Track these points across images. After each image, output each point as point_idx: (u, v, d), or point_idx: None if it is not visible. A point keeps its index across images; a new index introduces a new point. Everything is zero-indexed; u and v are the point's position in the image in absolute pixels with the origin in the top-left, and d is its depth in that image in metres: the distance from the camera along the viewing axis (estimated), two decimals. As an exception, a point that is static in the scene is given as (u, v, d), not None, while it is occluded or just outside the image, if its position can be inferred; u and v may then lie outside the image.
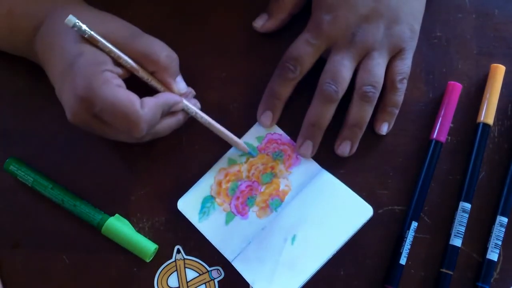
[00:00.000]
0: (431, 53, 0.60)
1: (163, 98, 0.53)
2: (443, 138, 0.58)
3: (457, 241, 0.56)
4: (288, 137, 0.58)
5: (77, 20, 0.50)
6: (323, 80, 0.55)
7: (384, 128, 0.57)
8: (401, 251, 0.56)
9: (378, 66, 0.55)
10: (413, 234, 0.56)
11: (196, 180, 0.57)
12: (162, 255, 0.57)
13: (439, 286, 0.56)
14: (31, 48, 0.55)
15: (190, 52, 0.60)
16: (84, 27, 0.50)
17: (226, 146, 0.58)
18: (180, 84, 0.55)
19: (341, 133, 0.57)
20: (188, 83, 0.60)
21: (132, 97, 0.50)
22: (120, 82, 0.51)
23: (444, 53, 0.60)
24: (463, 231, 0.56)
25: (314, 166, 0.57)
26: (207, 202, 0.57)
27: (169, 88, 0.54)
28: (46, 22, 0.54)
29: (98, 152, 0.58)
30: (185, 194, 0.57)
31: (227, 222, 0.56)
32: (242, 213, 0.56)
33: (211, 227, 0.56)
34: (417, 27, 0.57)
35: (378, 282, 0.56)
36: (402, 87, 0.56)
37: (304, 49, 0.55)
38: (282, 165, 0.57)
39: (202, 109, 0.58)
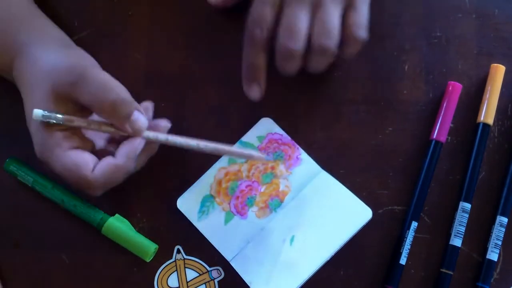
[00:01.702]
0: (431, 53, 0.60)
1: (123, 156, 0.51)
2: (443, 138, 0.58)
3: (457, 241, 0.56)
4: (289, 137, 0.58)
5: (43, 113, 0.49)
6: (280, 37, 0.53)
7: None
8: (401, 251, 0.56)
9: (331, 15, 0.53)
10: (413, 234, 0.56)
11: (196, 180, 0.57)
12: (162, 255, 0.57)
13: (439, 286, 0.55)
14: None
15: (190, 52, 0.60)
16: (52, 119, 0.50)
17: (226, 146, 0.58)
18: (136, 122, 0.51)
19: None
20: (188, 83, 0.60)
21: (80, 161, 0.50)
22: (73, 142, 0.51)
23: (444, 53, 0.60)
24: (463, 231, 0.56)
25: (314, 167, 0.57)
26: (207, 201, 0.57)
27: (124, 132, 0.52)
28: (16, 63, 0.54)
29: (98, 152, 0.58)
30: (184, 193, 0.57)
31: (226, 221, 0.56)
32: (242, 213, 0.56)
33: (210, 226, 0.56)
34: None
35: (378, 282, 0.56)
36: (361, 37, 0.54)
37: (263, 9, 0.54)
38: (282, 166, 0.57)
39: (202, 111, 0.58)
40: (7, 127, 0.60)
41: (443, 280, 0.55)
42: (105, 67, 0.59)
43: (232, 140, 0.58)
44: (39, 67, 0.52)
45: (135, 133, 0.52)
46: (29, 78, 0.52)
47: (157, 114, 0.57)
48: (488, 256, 0.56)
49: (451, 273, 0.56)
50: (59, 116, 0.50)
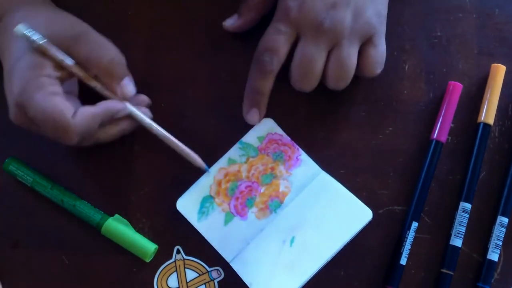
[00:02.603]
0: (432, 52, 0.60)
1: (102, 107, 0.52)
2: (443, 138, 0.58)
3: (457, 241, 0.56)
4: (289, 138, 0.58)
5: (26, 30, 0.50)
6: (294, 76, 0.54)
7: None
8: (401, 251, 0.55)
9: (349, 57, 0.54)
10: (413, 234, 0.56)
11: (196, 181, 0.57)
12: (162, 256, 0.57)
13: (439, 286, 0.55)
14: None
15: (190, 52, 0.60)
16: (32, 37, 0.50)
17: (226, 146, 0.58)
18: (126, 87, 0.54)
19: None
20: (188, 83, 0.60)
21: (64, 106, 0.50)
22: (57, 88, 0.51)
23: (445, 53, 0.60)
24: (464, 231, 0.56)
25: (314, 167, 0.57)
26: (206, 202, 0.57)
27: (112, 92, 0.54)
28: (2, 22, 0.54)
29: (98, 152, 0.58)
30: (184, 194, 0.57)
31: (226, 222, 0.56)
32: (241, 214, 0.56)
33: (210, 227, 0.56)
34: (384, 12, 0.56)
35: (379, 283, 0.56)
36: (377, 73, 0.56)
37: (276, 39, 0.54)
38: (282, 166, 0.57)
39: (202, 111, 0.58)
40: (7, 127, 0.60)
41: (444, 281, 0.55)
42: (104, 67, 0.60)
43: (232, 140, 0.58)
44: (31, 20, 0.52)
45: (122, 97, 0.54)
46: (12, 41, 0.52)
47: (157, 115, 0.57)
48: (488, 257, 0.56)
49: (452, 273, 0.55)
50: (40, 40, 0.50)
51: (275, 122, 0.58)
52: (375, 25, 0.55)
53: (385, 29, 0.56)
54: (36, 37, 0.50)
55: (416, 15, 0.61)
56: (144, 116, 0.55)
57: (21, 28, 0.50)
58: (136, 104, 0.56)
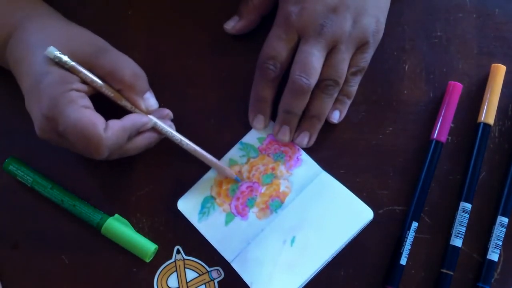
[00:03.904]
0: (432, 52, 0.60)
1: (130, 120, 0.52)
2: (443, 138, 0.58)
3: (457, 242, 0.56)
4: (289, 138, 0.58)
5: (56, 52, 0.50)
6: (294, 72, 0.54)
7: (335, 116, 0.57)
8: (401, 251, 0.55)
9: (343, 62, 0.55)
10: (413, 234, 0.56)
11: (196, 181, 0.57)
12: (162, 256, 0.57)
13: (439, 286, 0.55)
14: (3, 58, 0.55)
15: (190, 52, 0.60)
16: (64, 58, 0.50)
17: (226, 146, 0.58)
18: (148, 101, 0.54)
19: (300, 124, 0.57)
20: (188, 83, 0.60)
21: (96, 119, 0.50)
22: (87, 102, 0.51)
23: (445, 53, 0.60)
24: (464, 231, 0.56)
25: (315, 167, 0.57)
26: (207, 203, 0.57)
27: (136, 106, 0.53)
28: (16, 34, 0.54)
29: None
30: (185, 194, 0.57)
31: (227, 222, 0.56)
32: (242, 214, 0.56)
33: (211, 228, 0.56)
34: (383, 19, 0.57)
35: (379, 283, 0.56)
36: (353, 79, 0.56)
37: (278, 45, 0.55)
38: (282, 166, 0.57)
39: (202, 111, 0.58)
40: (7, 127, 0.60)
41: (444, 281, 0.55)
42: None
43: (232, 141, 0.58)
44: (49, 36, 0.52)
45: (146, 110, 0.54)
46: (35, 42, 0.52)
47: (157, 114, 0.57)
48: (488, 257, 0.56)
49: (452, 273, 0.55)
50: (71, 61, 0.51)
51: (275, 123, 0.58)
52: (371, 32, 0.55)
53: (381, 36, 0.57)
54: (66, 58, 0.51)
55: (416, 15, 0.61)
56: (169, 128, 0.55)
57: (52, 50, 0.50)
58: (160, 118, 0.55)
